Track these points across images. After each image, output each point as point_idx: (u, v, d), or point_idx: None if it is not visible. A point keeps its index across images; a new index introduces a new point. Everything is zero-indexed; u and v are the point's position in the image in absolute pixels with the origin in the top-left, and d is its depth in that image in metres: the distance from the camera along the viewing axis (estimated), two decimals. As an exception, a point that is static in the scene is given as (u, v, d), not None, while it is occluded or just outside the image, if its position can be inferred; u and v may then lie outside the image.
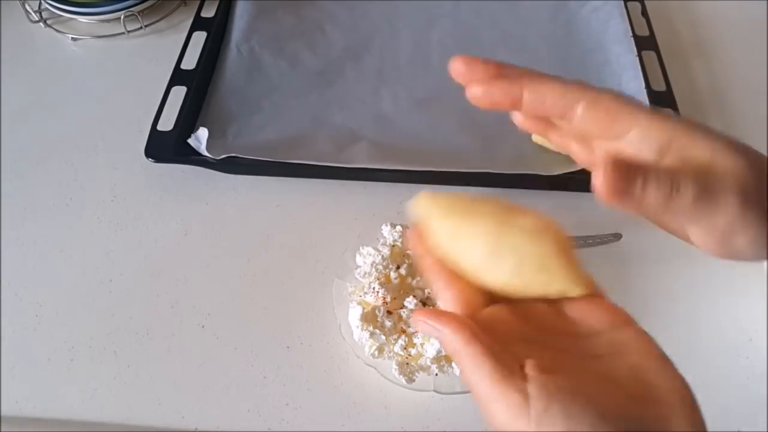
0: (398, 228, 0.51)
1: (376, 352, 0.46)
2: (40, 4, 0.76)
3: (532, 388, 0.24)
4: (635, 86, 0.64)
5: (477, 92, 0.28)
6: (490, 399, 0.25)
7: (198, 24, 0.72)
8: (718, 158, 0.25)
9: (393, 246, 0.51)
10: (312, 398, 0.48)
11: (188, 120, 0.62)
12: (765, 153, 0.27)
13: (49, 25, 0.76)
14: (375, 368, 0.47)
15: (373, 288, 0.48)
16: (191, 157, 0.59)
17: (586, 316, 0.28)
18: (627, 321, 0.28)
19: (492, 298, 0.29)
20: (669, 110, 0.62)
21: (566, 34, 0.74)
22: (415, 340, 0.46)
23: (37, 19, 0.76)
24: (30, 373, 0.49)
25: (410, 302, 0.47)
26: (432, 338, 0.48)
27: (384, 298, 0.47)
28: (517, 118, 0.31)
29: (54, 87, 0.70)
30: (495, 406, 0.24)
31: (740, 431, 0.46)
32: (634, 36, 0.69)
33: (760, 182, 0.25)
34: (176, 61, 0.67)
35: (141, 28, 0.75)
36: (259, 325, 0.52)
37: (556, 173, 0.57)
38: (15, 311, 0.52)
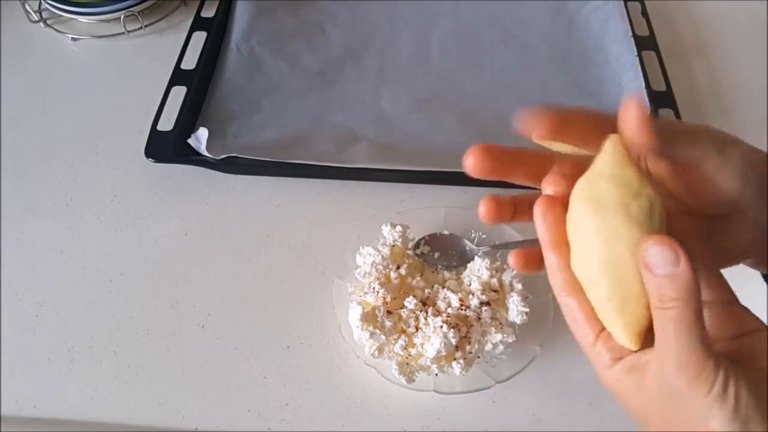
0: (398, 228, 0.51)
1: (376, 352, 0.46)
2: (40, 4, 0.76)
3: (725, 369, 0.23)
4: (635, 86, 0.64)
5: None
6: (680, 365, 0.23)
7: (198, 24, 0.72)
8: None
9: (393, 246, 0.51)
10: (312, 398, 0.48)
11: (188, 120, 0.62)
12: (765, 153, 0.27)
13: (49, 25, 0.76)
14: (375, 368, 0.47)
15: (373, 288, 0.48)
16: (191, 157, 0.59)
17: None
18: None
19: None
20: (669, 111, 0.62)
21: (566, 34, 0.74)
22: (415, 340, 0.46)
23: (37, 19, 0.76)
24: (30, 373, 0.49)
25: (410, 302, 0.47)
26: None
27: (384, 298, 0.47)
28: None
29: (54, 87, 0.70)
30: (684, 373, 0.23)
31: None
32: (634, 36, 0.69)
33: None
34: (176, 61, 0.67)
35: (141, 28, 0.75)
36: (259, 325, 0.52)
37: None
38: (15, 311, 0.52)
